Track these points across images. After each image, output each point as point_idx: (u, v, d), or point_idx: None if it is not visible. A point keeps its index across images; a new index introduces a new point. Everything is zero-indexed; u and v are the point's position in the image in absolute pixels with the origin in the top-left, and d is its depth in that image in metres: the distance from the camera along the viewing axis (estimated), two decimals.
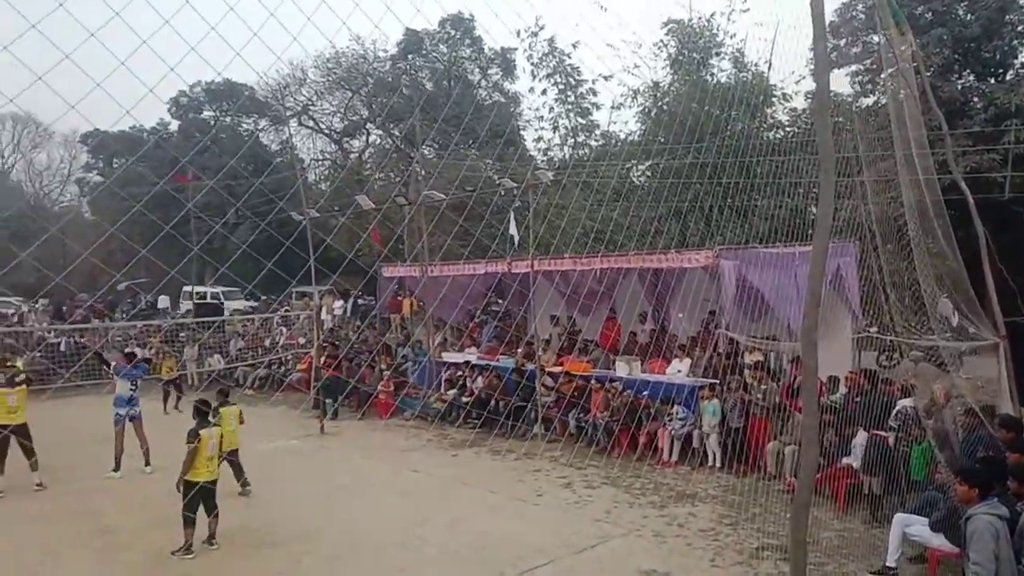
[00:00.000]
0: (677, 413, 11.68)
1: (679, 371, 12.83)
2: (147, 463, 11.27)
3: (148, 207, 27.78)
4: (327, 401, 15.27)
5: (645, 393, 12.16)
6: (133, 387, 11.38)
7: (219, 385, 12.87)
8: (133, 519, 9.22)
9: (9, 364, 12.07)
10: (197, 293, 30.13)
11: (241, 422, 10.04)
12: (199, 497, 8.01)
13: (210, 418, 8.54)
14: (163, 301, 30.92)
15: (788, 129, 20.31)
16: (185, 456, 8.01)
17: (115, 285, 32.03)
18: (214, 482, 8.22)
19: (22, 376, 10.94)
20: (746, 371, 11.71)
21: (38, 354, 19.52)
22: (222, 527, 8.31)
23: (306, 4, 5.86)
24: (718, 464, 11.07)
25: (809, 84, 20.72)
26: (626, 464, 11.03)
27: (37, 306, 31.06)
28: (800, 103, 21.28)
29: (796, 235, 11.44)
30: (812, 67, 19.77)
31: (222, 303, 29.80)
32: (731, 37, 22.01)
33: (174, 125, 40.68)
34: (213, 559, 7.97)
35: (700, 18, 22.60)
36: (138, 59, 5.15)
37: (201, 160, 32.10)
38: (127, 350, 14.65)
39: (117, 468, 11.11)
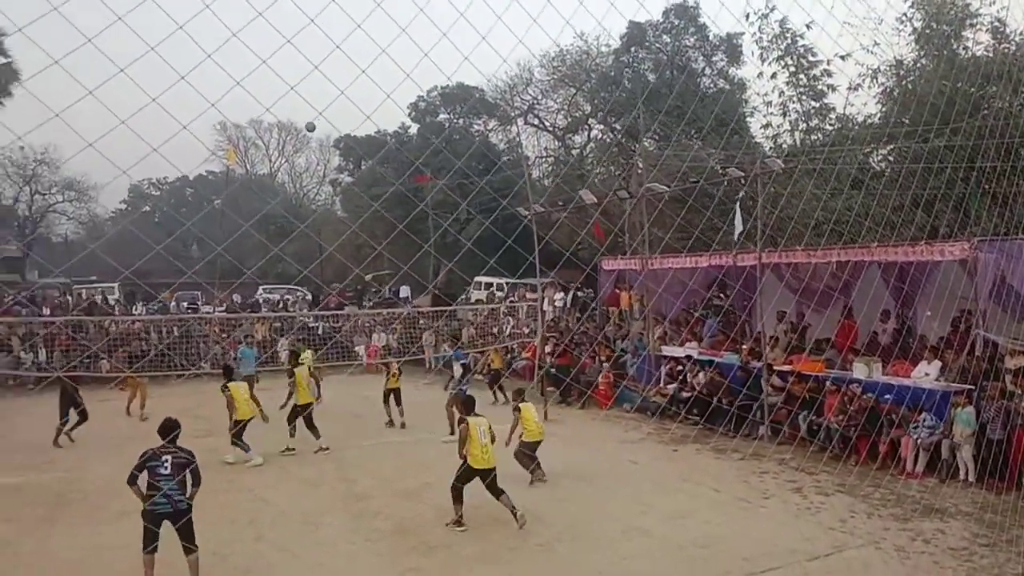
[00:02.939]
0: (924, 420, 10.72)
1: (927, 375, 11.76)
2: (453, 432, 12.82)
3: (390, 205, 30.39)
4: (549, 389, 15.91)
5: (887, 398, 11.31)
6: (462, 367, 14.05)
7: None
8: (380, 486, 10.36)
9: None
10: (485, 283, 31.79)
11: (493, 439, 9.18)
12: (470, 479, 8.67)
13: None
14: (404, 291, 33.49)
15: None
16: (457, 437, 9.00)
17: (362, 276, 35.29)
18: (487, 470, 8.63)
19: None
20: (1007, 377, 10.50)
21: (298, 338, 22.19)
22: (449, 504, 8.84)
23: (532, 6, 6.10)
24: (971, 478, 10.06)
25: None
26: (864, 472, 10.26)
27: (298, 294, 35.13)
28: None
29: None
30: None
31: (503, 291, 30.84)
32: (990, 5, 19.53)
33: (413, 129, 43.71)
34: (445, 532, 8.64)
35: None
36: (379, 68, 5.69)
37: (436, 161, 34.30)
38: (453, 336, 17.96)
39: (452, 432, 12.77)
